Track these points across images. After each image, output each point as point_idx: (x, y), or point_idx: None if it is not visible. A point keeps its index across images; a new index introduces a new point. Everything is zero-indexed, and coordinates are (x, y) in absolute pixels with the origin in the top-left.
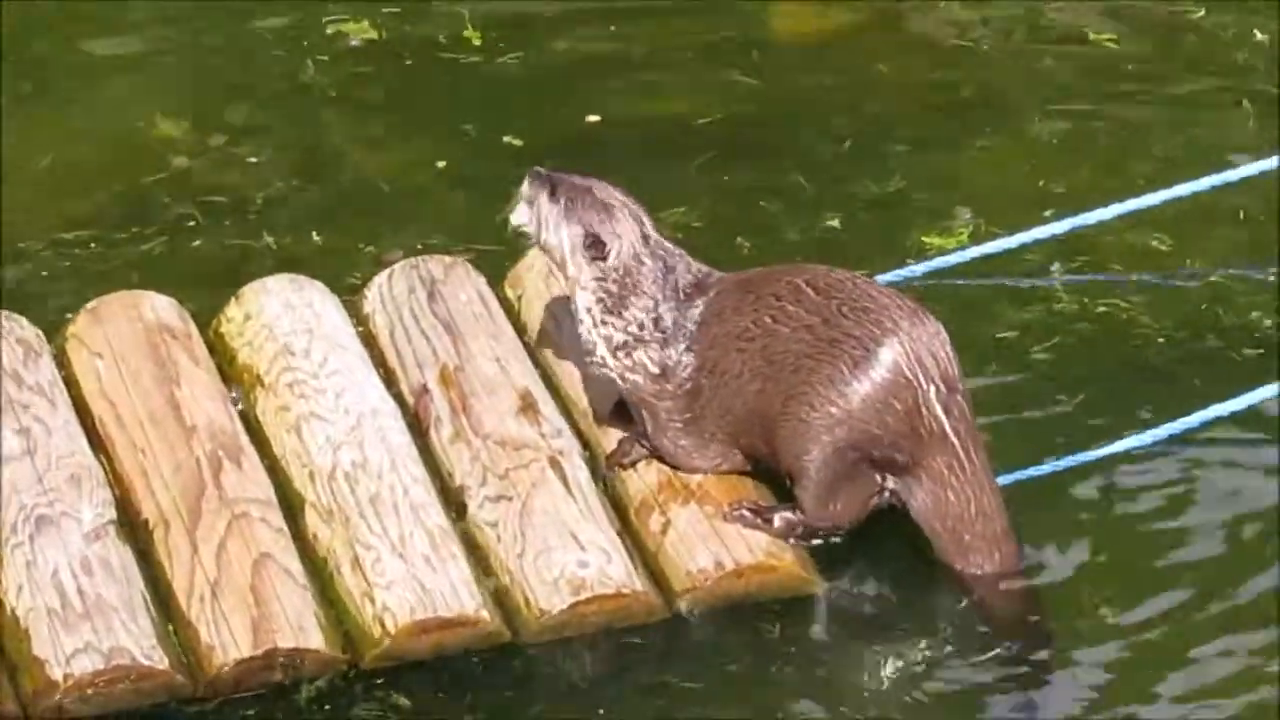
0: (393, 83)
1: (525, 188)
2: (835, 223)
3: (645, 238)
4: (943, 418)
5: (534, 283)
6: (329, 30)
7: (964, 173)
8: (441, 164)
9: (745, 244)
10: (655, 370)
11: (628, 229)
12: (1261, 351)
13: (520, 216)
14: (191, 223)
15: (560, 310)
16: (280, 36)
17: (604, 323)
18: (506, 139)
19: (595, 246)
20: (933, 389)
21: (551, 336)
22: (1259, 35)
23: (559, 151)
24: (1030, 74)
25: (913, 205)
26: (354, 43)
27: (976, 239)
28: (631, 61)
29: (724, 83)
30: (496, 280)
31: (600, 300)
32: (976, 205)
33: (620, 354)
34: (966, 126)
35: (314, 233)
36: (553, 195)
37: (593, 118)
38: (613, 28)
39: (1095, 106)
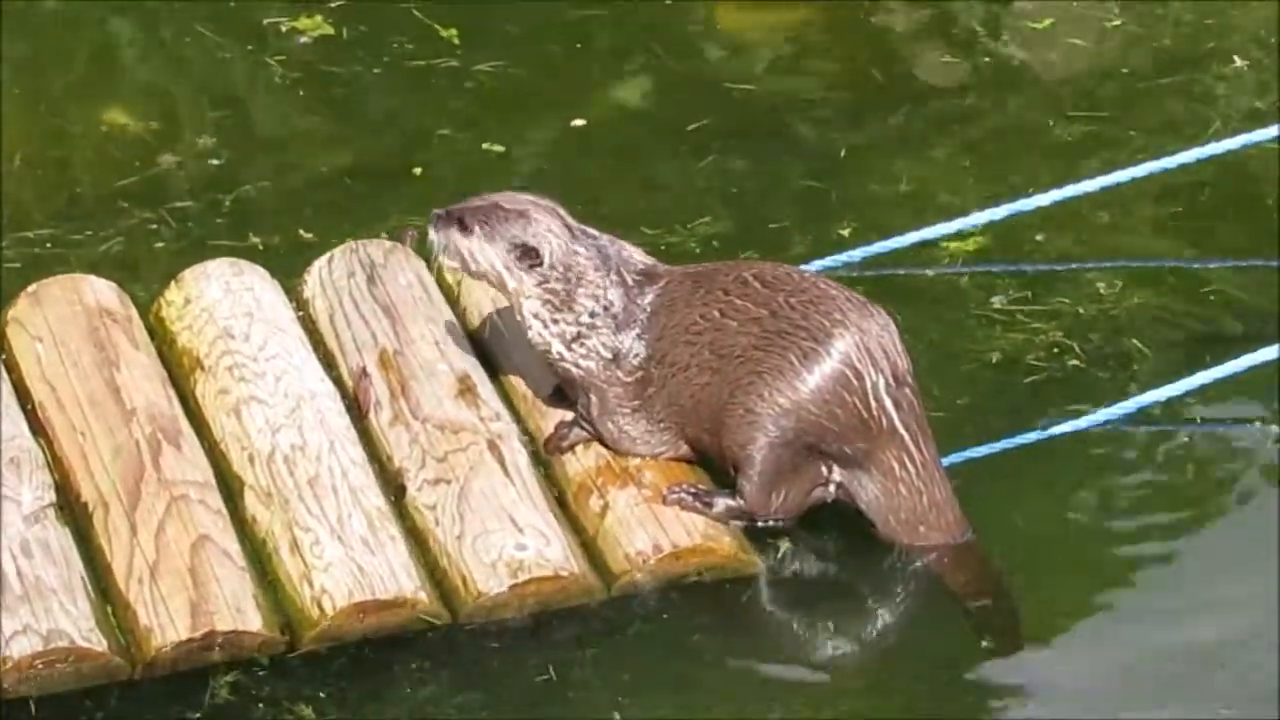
0: (360, 81)
1: (434, 237)
2: (846, 232)
3: (569, 229)
4: (892, 411)
5: None
6: (283, 28)
7: (972, 172)
8: (418, 170)
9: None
10: (608, 355)
11: (550, 226)
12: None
13: (446, 263)
14: (154, 225)
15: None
16: (233, 38)
17: (554, 321)
18: (486, 145)
19: (527, 255)
20: (882, 381)
21: (491, 319)
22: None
23: (545, 158)
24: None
25: (930, 206)
26: (303, 40)
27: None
28: (603, 63)
29: (697, 83)
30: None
31: (547, 302)
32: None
33: (575, 345)
34: (963, 121)
35: (276, 234)
36: (464, 229)
37: (578, 121)
38: (576, 41)
39: (1111, 109)
